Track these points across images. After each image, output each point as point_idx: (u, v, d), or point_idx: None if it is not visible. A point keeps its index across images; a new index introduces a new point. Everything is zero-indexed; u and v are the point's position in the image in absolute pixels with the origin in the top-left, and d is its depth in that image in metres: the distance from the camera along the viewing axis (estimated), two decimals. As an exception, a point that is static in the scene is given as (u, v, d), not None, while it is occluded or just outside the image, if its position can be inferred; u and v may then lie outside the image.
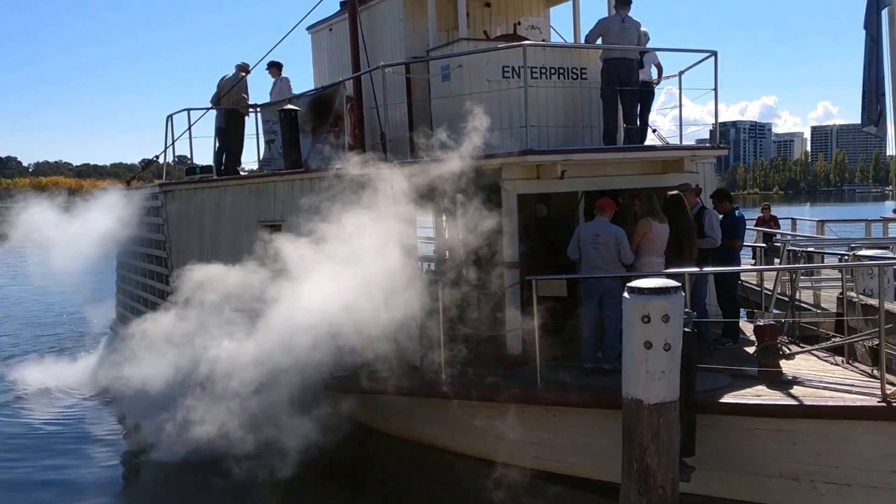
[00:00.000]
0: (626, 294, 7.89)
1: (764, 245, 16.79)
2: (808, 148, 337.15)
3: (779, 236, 17.84)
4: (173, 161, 17.87)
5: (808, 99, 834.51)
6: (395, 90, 12.46)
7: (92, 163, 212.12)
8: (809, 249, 14.29)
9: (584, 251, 10.42)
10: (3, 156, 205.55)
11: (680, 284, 7.93)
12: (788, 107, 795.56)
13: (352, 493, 11.06)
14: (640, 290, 7.74)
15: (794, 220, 23.43)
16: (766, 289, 13.05)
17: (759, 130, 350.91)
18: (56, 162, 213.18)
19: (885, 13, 7.67)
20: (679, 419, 7.96)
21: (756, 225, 20.88)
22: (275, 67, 16.27)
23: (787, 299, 12.06)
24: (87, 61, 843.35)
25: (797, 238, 16.92)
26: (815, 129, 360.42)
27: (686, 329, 7.96)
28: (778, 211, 26.67)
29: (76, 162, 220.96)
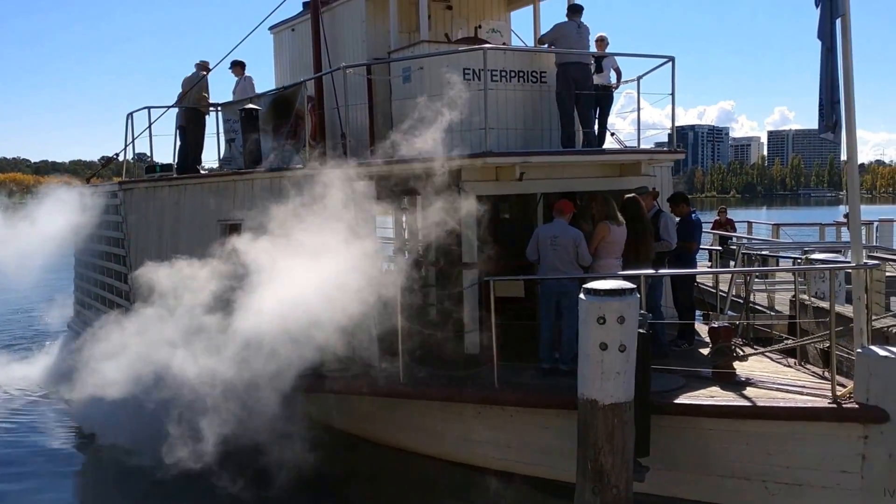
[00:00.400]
0: (581, 295, 7.98)
1: (719, 248, 17.05)
2: (765, 152, 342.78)
3: (734, 239, 18.15)
4: (133, 159, 17.71)
5: (765, 104, 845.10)
6: (357, 91, 12.47)
7: (51, 159, 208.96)
8: (764, 253, 14.55)
9: (543, 252, 10.50)
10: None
11: (635, 286, 8.04)
12: (746, 111, 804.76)
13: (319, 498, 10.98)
14: (596, 292, 7.83)
15: (749, 223, 23.90)
16: (722, 291, 13.27)
17: (716, 134, 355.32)
18: (14, 158, 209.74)
19: (839, 22, 7.81)
20: (634, 419, 8.07)
21: (712, 228, 21.26)
22: (238, 66, 16.13)
23: (742, 302, 12.26)
24: (46, 56, 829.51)
25: (752, 241, 17.21)
26: (771, 134, 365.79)
27: (641, 330, 8.08)
28: (735, 214, 27.15)
29: (34, 158, 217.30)
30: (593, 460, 7.98)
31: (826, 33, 7.84)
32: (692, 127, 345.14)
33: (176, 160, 16.14)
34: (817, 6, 7.89)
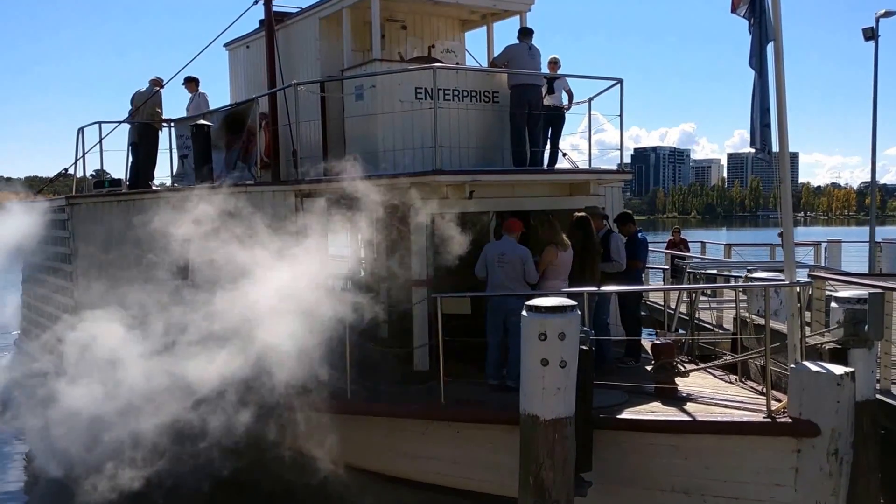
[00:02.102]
0: (523, 312, 8.06)
1: (668, 267, 17.29)
2: (725, 174, 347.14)
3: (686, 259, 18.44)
4: (91, 175, 17.51)
5: (725, 127, 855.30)
6: (310, 108, 12.53)
7: (6, 175, 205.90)
8: (710, 271, 14.80)
9: (491, 270, 10.59)
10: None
11: (576, 304, 8.13)
12: (707, 134, 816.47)
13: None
14: (537, 309, 7.92)
15: (703, 243, 24.26)
16: (670, 309, 13.47)
17: (678, 156, 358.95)
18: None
19: (770, 47, 8.06)
20: (575, 435, 8.16)
21: (666, 247, 21.53)
22: (192, 82, 16.08)
23: (689, 319, 12.46)
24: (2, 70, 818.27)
25: (703, 261, 17.48)
26: (731, 156, 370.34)
27: (583, 347, 8.19)
28: (694, 235, 27.51)
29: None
30: (535, 476, 8.03)
31: (756, 60, 8.08)
32: (654, 148, 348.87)
33: (127, 176, 16.03)
34: (750, 33, 8.13)
